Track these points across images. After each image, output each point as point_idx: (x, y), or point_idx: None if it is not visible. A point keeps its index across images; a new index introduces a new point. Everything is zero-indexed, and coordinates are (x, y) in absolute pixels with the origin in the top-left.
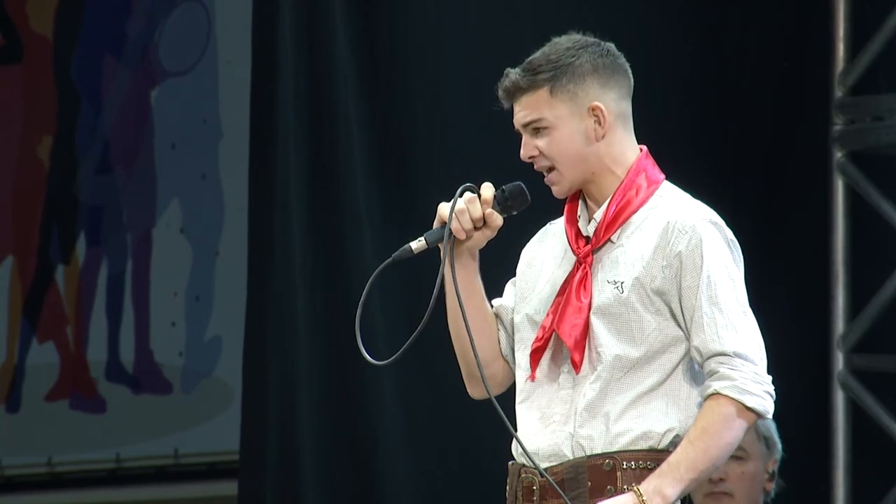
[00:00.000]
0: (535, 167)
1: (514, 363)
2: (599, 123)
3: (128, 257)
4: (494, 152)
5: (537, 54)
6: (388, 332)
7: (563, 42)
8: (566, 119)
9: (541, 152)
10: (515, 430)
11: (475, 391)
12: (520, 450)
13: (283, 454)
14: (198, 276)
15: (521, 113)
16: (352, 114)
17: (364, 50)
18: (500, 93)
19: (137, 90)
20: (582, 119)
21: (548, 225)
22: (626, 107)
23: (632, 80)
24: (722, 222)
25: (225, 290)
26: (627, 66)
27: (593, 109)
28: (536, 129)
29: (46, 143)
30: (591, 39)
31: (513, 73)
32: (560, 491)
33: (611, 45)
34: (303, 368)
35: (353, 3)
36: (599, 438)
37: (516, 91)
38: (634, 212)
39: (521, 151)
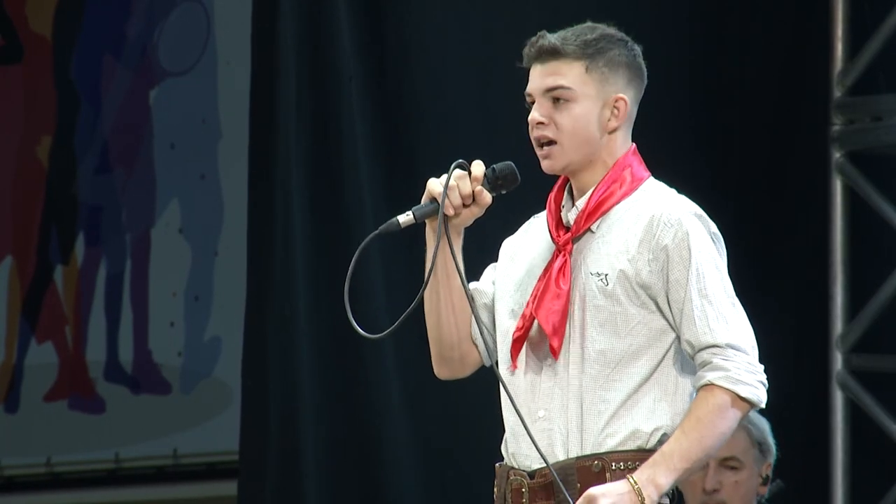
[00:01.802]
0: (537, 134)
1: (486, 350)
2: (616, 116)
3: (127, 257)
4: (499, 150)
5: (575, 29)
6: (391, 313)
7: (600, 28)
8: (592, 98)
9: (553, 120)
10: (502, 427)
11: (442, 371)
12: (509, 451)
13: (284, 454)
14: (197, 276)
15: (550, 78)
16: (355, 112)
17: (368, 48)
18: (532, 50)
19: (137, 90)
20: (604, 105)
21: (531, 219)
22: (635, 109)
23: (644, 87)
24: (705, 215)
25: (224, 290)
26: (646, 72)
27: (617, 101)
28: (557, 98)
29: (46, 143)
30: (626, 36)
31: (552, 36)
32: (563, 487)
33: (639, 48)
34: (303, 368)
35: (357, 1)
36: (588, 439)
37: (553, 53)
38: (616, 203)
39: (532, 113)
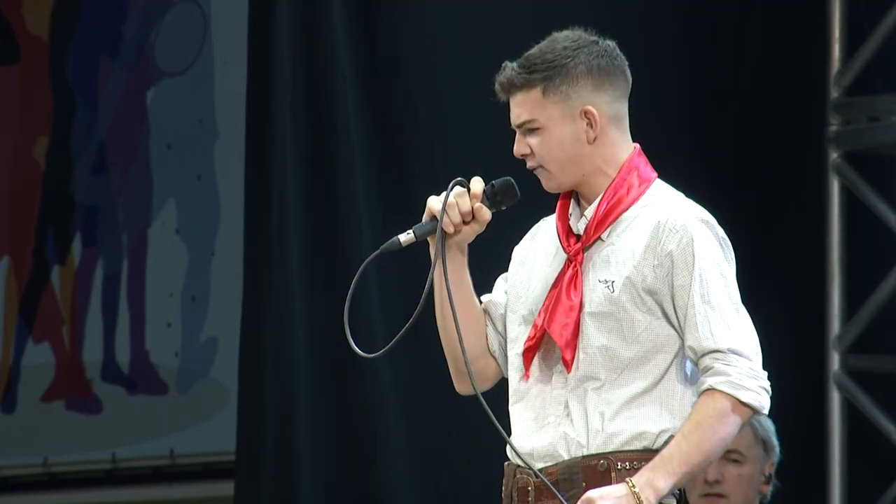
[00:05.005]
0: (527, 166)
1: (505, 360)
2: (591, 126)
3: (123, 258)
4: (494, 151)
5: (534, 51)
6: (386, 329)
7: (561, 40)
8: (557, 121)
9: (532, 151)
10: (508, 431)
11: (462, 387)
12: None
13: (280, 454)
14: (194, 276)
15: (515, 112)
16: (350, 113)
17: (363, 49)
18: (497, 86)
19: (133, 91)
20: (574, 121)
21: (540, 222)
22: (621, 108)
23: (629, 81)
24: (713, 220)
25: (221, 290)
26: (626, 66)
27: (585, 113)
28: (529, 129)
29: (42, 143)
30: (591, 38)
31: (509, 69)
32: (555, 490)
33: (610, 45)
34: (300, 368)
35: (352, 1)
36: (594, 439)
37: (511, 87)
38: (625, 210)
39: (514, 148)
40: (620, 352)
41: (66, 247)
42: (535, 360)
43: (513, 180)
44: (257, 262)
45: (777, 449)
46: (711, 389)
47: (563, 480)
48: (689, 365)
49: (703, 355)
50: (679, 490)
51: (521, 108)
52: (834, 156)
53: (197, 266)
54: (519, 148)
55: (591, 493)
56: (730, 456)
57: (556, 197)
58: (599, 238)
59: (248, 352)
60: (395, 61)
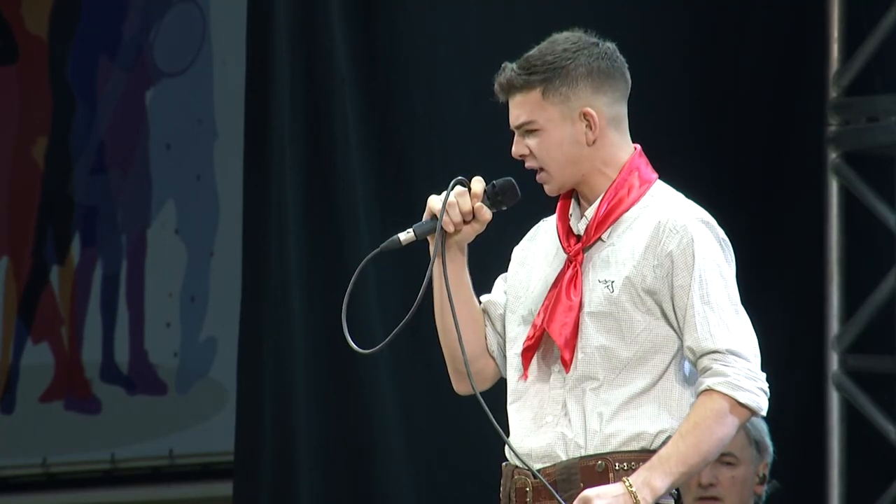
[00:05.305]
0: (526, 166)
1: (503, 360)
2: (590, 128)
3: (122, 258)
4: (493, 152)
5: (534, 52)
6: (385, 329)
7: (561, 42)
8: (557, 122)
9: (531, 152)
10: (506, 431)
11: (461, 387)
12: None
13: (278, 455)
14: (193, 276)
15: (514, 113)
16: (349, 114)
17: (361, 49)
18: (496, 87)
19: (132, 91)
20: (573, 123)
21: (540, 223)
22: (620, 110)
23: (629, 82)
24: (713, 221)
25: (220, 290)
26: (625, 67)
27: (585, 115)
28: (528, 130)
29: (41, 143)
30: (591, 39)
31: (508, 69)
32: (554, 491)
33: (610, 47)
34: (298, 369)
35: (350, 2)
36: (592, 439)
37: (510, 88)
38: (626, 210)
39: (513, 149)
40: (619, 352)
41: (66, 247)
42: (534, 360)
43: (514, 180)
44: (256, 262)
45: (770, 449)
46: (710, 390)
47: (561, 481)
48: (687, 365)
49: (702, 356)
50: (676, 490)
51: (520, 110)
52: (833, 156)
53: (196, 266)
54: (517, 149)
55: (587, 492)
56: (723, 458)
57: (556, 197)
58: (600, 238)
59: (247, 352)
60: (394, 61)
